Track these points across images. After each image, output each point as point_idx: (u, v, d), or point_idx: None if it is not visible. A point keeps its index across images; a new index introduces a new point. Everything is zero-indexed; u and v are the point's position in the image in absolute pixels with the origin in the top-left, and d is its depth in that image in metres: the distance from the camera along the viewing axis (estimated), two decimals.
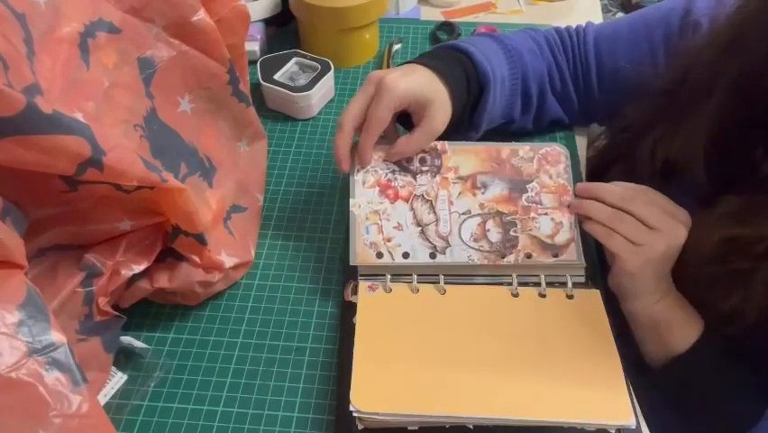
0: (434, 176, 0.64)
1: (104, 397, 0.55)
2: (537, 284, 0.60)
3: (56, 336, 0.43)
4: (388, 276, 0.61)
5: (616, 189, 0.59)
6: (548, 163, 0.64)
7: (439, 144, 0.65)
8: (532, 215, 0.62)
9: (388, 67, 0.88)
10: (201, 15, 0.59)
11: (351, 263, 0.61)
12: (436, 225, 0.62)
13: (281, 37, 0.94)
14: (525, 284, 0.61)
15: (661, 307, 0.57)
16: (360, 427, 0.52)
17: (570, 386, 0.53)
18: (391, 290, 0.60)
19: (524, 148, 0.65)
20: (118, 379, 0.56)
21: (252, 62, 0.83)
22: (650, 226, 0.56)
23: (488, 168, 0.64)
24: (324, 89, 0.82)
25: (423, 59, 0.64)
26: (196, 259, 0.58)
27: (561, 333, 0.56)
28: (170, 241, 0.57)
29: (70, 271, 0.52)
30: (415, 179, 0.63)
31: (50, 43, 0.49)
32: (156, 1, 0.57)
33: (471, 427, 0.52)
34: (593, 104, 0.74)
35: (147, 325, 0.62)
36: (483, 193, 0.63)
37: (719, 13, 0.60)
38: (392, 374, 0.54)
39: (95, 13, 0.54)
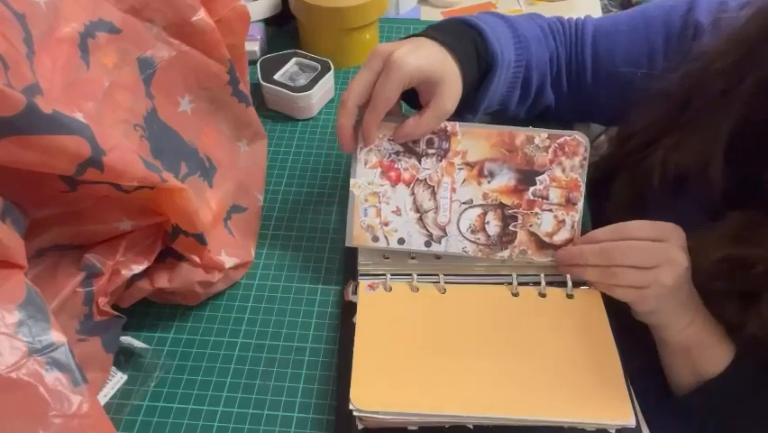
0: (440, 160, 0.61)
1: (104, 397, 0.55)
2: (537, 284, 0.60)
3: (56, 336, 0.43)
4: (388, 275, 0.61)
5: (593, 249, 0.58)
6: (564, 154, 0.61)
7: (449, 125, 0.61)
8: (535, 210, 0.61)
9: None
10: (201, 15, 0.59)
11: (346, 245, 0.61)
12: (435, 213, 0.61)
13: (281, 37, 0.94)
14: (526, 284, 0.60)
15: (692, 331, 0.56)
16: (360, 427, 0.52)
17: (570, 386, 0.53)
18: (391, 288, 0.60)
19: (540, 135, 0.61)
20: (118, 379, 0.56)
21: (252, 62, 0.83)
22: (646, 267, 0.54)
23: (498, 155, 0.61)
24: (324, 89, 0.82)
25: (432, 32, 0.60)
26: (196, 259, 0.58)
27: (561, 333, 0.56)
28: (170, 241, 0.57)
29: (70, 271, 0.52)
30: (419, 162, 0.61)
31: (50, 43, 0.49)
32: (156, 1, 0.57)
33: (471, 427, 0.52)
34: (583, 99, 0.72)
35: (147, 325, 0.62)
36: (489, 182, 0.61)
37: (724, 18, 0.59)
38: (392, 373, 0.54)
39: (95, 13, 0.54)
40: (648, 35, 0.66)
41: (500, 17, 0.68)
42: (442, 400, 0.52)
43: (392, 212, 0.61)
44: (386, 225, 0.61)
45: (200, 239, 0.56)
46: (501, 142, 0.61)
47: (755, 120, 0.55)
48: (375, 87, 0.56)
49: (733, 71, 0.55)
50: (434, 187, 0.61)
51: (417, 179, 0.61)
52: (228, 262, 0.61)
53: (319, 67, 0.82)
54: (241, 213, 0.66)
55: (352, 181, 0.61)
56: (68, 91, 0.50)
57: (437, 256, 0.62)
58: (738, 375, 0.55)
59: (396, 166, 0.61)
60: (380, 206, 0.61)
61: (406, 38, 0.61)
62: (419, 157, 0.61)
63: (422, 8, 1.02)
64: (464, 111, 0.64)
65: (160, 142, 0.58)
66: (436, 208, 0.61)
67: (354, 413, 0.51)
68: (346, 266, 0.65)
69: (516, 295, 0.59)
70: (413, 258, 0.62)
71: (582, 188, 0.61)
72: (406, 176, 0.61)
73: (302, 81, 0.81)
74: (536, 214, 0.61)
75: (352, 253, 0.63)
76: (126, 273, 0.55)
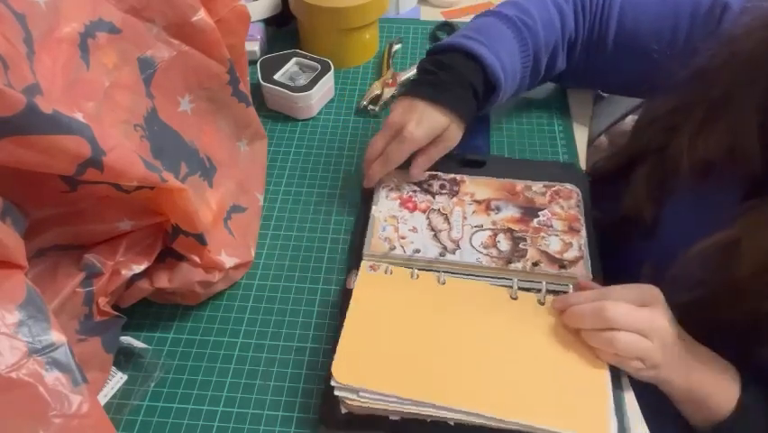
0: (452, 197, 0.68)
1: (104, 397, 0.55)
2: (538, 291, 0.60)
3: (56, 336, 0.43)
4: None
5: (585, 310, 0.54)
6: (560, 197, 0.67)
7: (458, 177, 0.70)
8: (542, 234, 0.64)
9: (388, 67, 0.88)
10: (201, 15, 0.59)
11: (364, 252, 0.63)
12: (449, 231, 0.64)
13: (281, 37, 0.94)
14: (527, 289, 0.60)
15: (692, 381, 0.53)
16: (343, 411, 0.52)
17: (552, 394, 0.52)
18: (392, 272, 0.61)
19: (537, 185, 0.69)
20: (118, 379, 0.56)
21: (252, 62, 0.83)
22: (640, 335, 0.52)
23: (501, 196, 0.68)
24: (324, 89, 0.82)
25: (432, 92, 0.66)
26: (196, 259, 0.58)
27: (553, 341, 0.55)
28: (170, 241, 0.57)
29: (70, 271, 0.52)
30: (434, 198, 0.68)
31: (50, 43, 0.49)
32: (156, 1, 0.57)
33: (452, 424, 0.52)
34: (599, 67, 0.74)
35: (147, 325, 0.62)
36: (496, 214, 0.66)
37: (753, 6, 0.59)
38: (377, 353, 0.54)
39: (95, 13, 0.54)
40: (675, 10, 0.67)
41: (506, 20, 0.70)
42: (422, 387, 0.52)
43: (409, 230, 0.65)
44: (403, 238, 0.64)
45: (200, 239, 0.56)
46: (503, 188, 0.69)
47: None
48: (389, 149, 0.66)
49: (759, 51, 0.55)
50: (446, 214, 0.66)
51: (432, 208, 0.67)
52: (228, 262, 0.60)
53: (319, 67, 0.82)
54: (241, 213, 0.66)
55: (373, 208, 0.67)
56: (69, 91, 0.50)
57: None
58: (750, 407, 0.53)
59: (413, 199, 0.68)
60: (398, 225, 0.66)
61: (404, 95, 0.68)
62: (433, 195, 0.69)
63: (422, 8, 1.02)
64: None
65: (160, 142, 0.58)
66: (450, 229, 0.65)
67: (336, 391, 0.52)
68: (350, 255, 0.65)
69: (514, 298, 0.59)
70: (417, 251, 0.63)
71: (582, 221, 0.65)
72: (422, 206, 0.68)
73: (302, 81, 0.81)
74: (543, 237, 0.64)
75: (358, 243, 0.64)
76: (126, 273, 0.55)
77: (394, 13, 1.00)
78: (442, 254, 0.62)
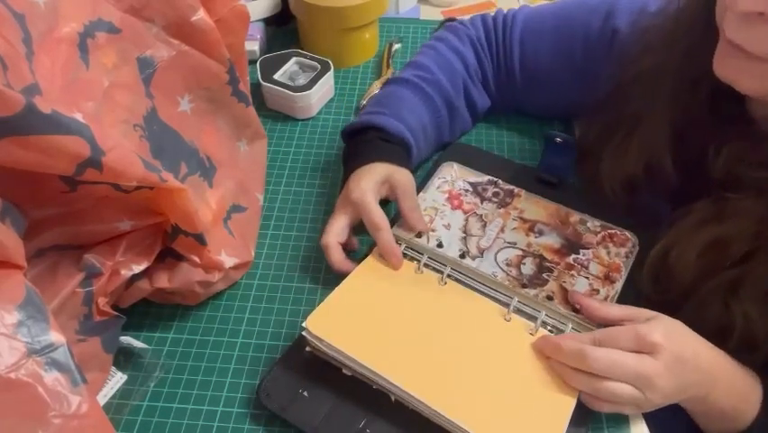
0: (499, 208, 0.67)
1: (103, 397, 0.55)
2: (534, 318, 0.57)
3: (55, 336, 0.43)
4: (403, 244, 0.63)
5: (572, 352, 0.51)
6: (612, 242, 0.63)
7: (516, 189, 0.68)
8: (572, 273, 0.61)
9: (387, 67, 0.88)
10: (201, 15, 0.59)
11: (393, 230, 0.63)
12: (479, 239, 0.64)
13: (281, 37, 0.94)
14: (524, 313, 0.58)
15: (714, 397, 0.51)
16: (307, 349, 0.55)
17: (505, 413, 0.51)
18: None
19: (594, 222, 0.65)
20: (118, 379, 0.56)
21: (252, 62, 0.83)
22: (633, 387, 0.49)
23: (551, 222, 0.65)
24: (324, 89, 0.82)
25: (354, 161, 0.65)
26: (196, 259, 0.58)
27: (526, 367, 0.54)
28: (170, 241, 0.57)
29: (70, 272, 0.52)
30: (481, 203, 0.67)
31: (49, 43, 0.49)
32: (156, 1, 0.57)
33: (393, 400, 0.53)
34: (516, 98, 0.76)
35: (147, 325, 0.62)
36: (536, 238, 0.64)
37: (642, 25, 0.61)
38: (355, 320, 0.56)
39: (94, 13, 0.54)
40: (569, 37, 0.69)
41: (404, 83, 0.72)
42: (383, 362, 0.53)
43: (443, 225, 0.65)
44: (433, 230, 0.65)
45: (200, 239, 0.56)
46: (557, 214, 0.66)
47: (685, 112, 0.56)
48: (365, 220, 0.62)
49: (658, 66, 0.57)
50: (486, 223, 0.66)
51: (474, 212, 0.67)
52: (228, 262, 0.60)
53: (319, 66, 0.82)
54: (241, 213, 0.66)
55: (420, 195, 0.67)
56: (68, 91, 0.50)
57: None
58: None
59: (461, 198, 0.68)
60: (435, 217, 0.66)
61: (345, 184, 0.65)
62: (482, 200, 0.68)
63: (422, 7, 1.02)
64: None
65: (159, 142, 0.58)
66: (482, 236, 0.64)
67: (304, 332, 0.54)
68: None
69: (507, 320, 0.58)
70: (440, 246, 0.63)
71: (623, 274, 0.61)
72: (466, 207, 0.67)
73: (302, 81, 0.81)
74: (572, 276, 0.61)
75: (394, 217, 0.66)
76: (126, 273, 0.55)
77: (394, 12, 1.00)
78: (462, 256, 0.62)
